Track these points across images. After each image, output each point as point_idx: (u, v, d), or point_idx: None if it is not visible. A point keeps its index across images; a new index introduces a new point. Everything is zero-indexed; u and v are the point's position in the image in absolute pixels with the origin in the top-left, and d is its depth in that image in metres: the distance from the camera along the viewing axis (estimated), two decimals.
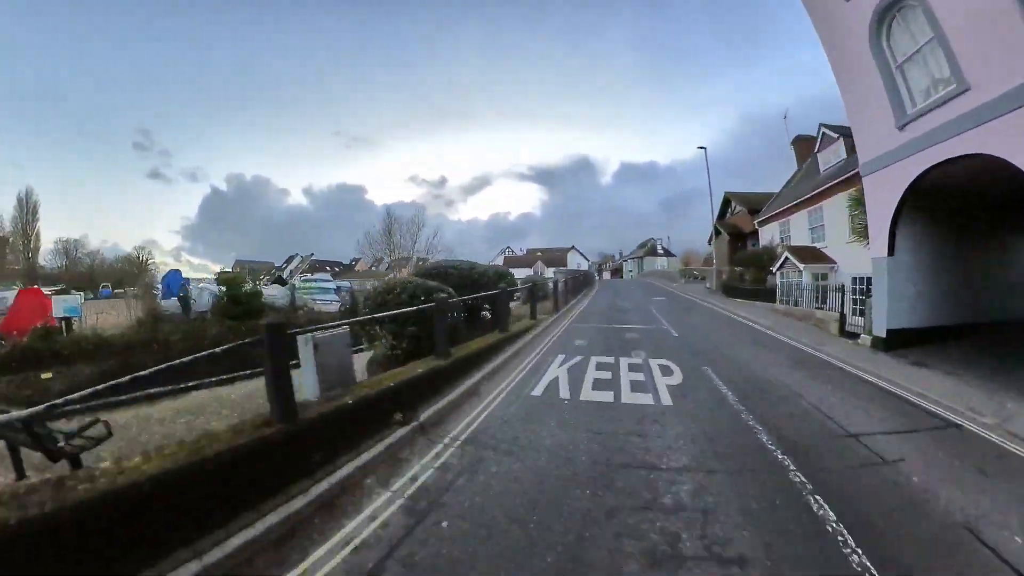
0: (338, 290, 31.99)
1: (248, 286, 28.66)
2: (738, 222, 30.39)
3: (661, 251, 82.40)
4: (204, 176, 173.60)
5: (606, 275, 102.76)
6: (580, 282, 28.23)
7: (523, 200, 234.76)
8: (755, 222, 24.50)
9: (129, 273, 72.95)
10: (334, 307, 27.84)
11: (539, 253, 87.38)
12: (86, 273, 64.34)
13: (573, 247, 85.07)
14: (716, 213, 31.04)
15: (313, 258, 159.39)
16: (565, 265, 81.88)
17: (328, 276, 35.86)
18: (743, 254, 23.07)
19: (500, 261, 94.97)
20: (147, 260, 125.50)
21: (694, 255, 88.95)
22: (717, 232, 32.18)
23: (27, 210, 58.77)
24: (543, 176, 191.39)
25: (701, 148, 27.45)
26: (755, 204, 28.32)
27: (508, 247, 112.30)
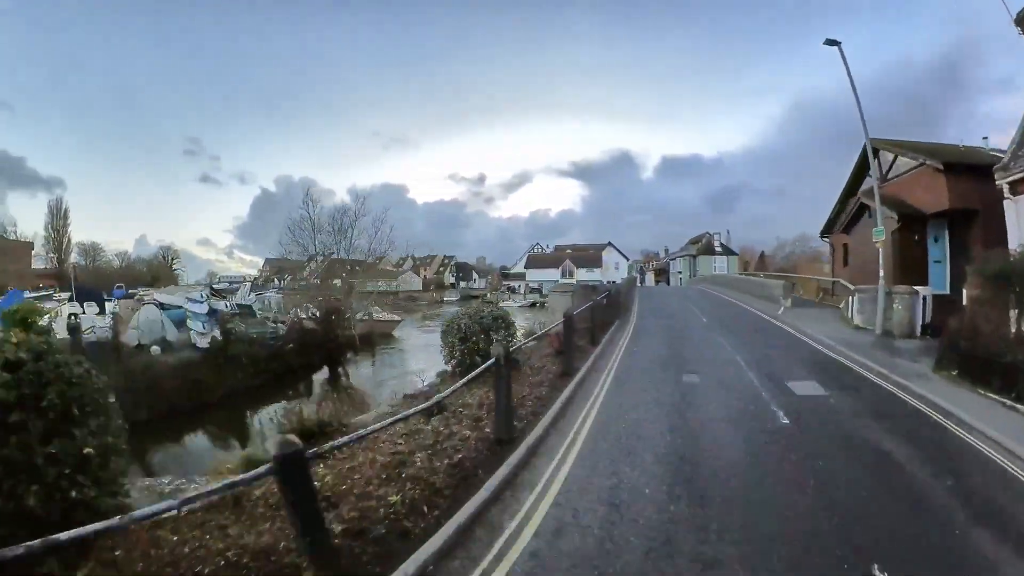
0: (214, 314, 20.27)
1: (46, 319, 17.03)
2: (908, 191, 16.14)
3: (719, 248, 67.12)
4: (252, 178, 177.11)
5: (648, 278, 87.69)
6: (602, 311, 14.78)
7: (563, 197, 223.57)
8: (1001, 182, 10.52)
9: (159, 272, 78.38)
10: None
11: (568, 251, 73.92)
12: (114, 273, 64.79)
13: (609, 243, 71.18)
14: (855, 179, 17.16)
15: (332, 256, 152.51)
16: (599, 265, 68.07)
17: (198, 295, 23.76)
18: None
19: (524, 260, 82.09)
20: (172, 260, 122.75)
21: (749, 253, 72.94)
22: (854, 215, 18.02)
23: (57, 216, 61.09)
24: (582, 172, 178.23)
25: (832, 43, 13.41)
26: (959, 157, 14.23)
27: (537, 244, 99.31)
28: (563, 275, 67.75)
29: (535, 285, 69.91)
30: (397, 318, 36.50)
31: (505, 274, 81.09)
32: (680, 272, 69.78)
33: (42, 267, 63.01)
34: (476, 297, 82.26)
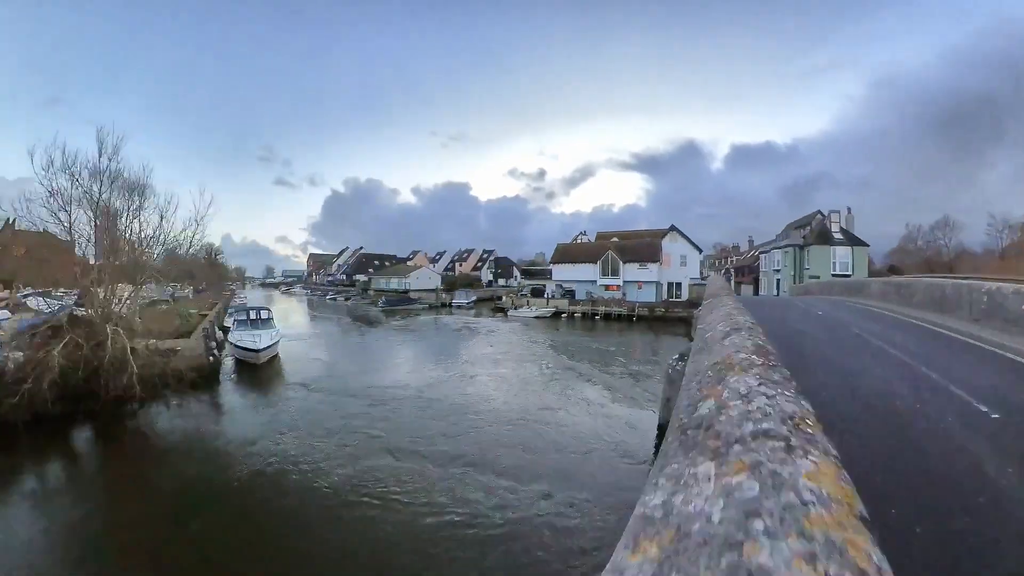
0: None
1: None
2: None
3: (838, 235, 45.11)
4: (322, 180, 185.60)
5: (737, 287, 65.54)
6: None
7: (627, 191, 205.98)
8: None
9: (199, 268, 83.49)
10: None
11: (614, 240, 54.28)
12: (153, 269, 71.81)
13: (672, 228, 50.85)
14: None
15: (362, 251, 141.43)
16: (657, 260, 48.07)
17: None
18: None
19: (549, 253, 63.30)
20: (216, 255, 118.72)
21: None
22: None
23: (106, 216, 61.19)
24: (647, 164, 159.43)
25: None
26: None
27: (583, 232, 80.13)
28: (604, 272, 48.61)
29: (570, 286, 51.45)
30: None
31: (529, 271, 62.85)
32: (778, 271, 48.36)
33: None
34: (499, 298, 64.72)
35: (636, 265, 46.59)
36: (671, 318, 43.46)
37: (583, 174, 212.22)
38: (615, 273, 47.55)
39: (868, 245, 45.85)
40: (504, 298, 58.53)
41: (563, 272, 51.65)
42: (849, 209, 47.85)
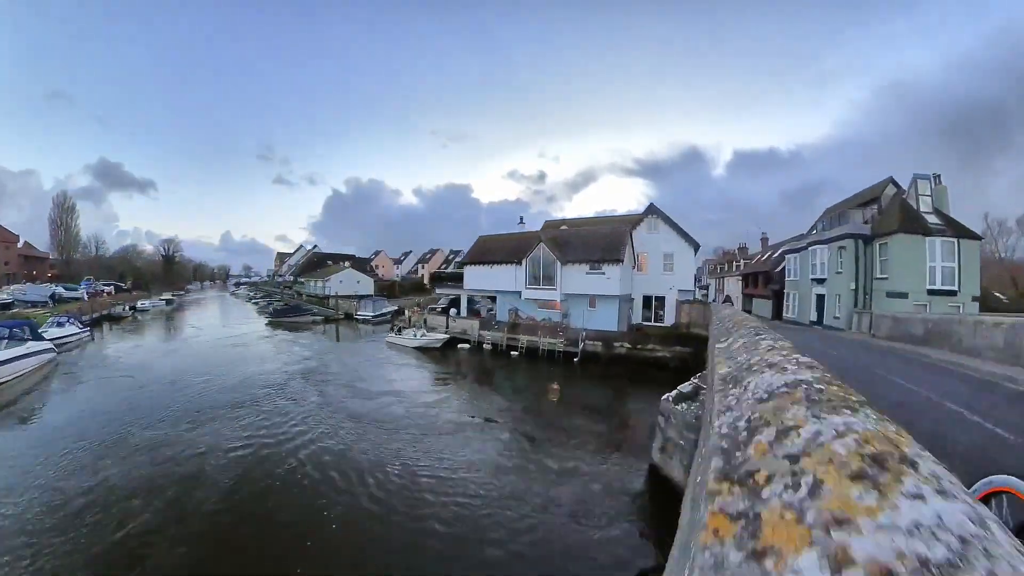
0: None
1: None
2: None
3: (932, 218, 26.06)
4: (322, 180, 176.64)
5: (747, 302, 45.22)
6: None
7: (629, 196, 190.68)
8: None
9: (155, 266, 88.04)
10: None
11: (563, 227, 35.04)
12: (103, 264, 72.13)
13: (652, 209, 31.78)
14: None
15: (315, 250, 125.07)
16: (617, 260, 29.08)
17: None
18: None
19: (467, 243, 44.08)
20: (174, 253, 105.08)
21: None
22: None
23: (63, 209, 62.37)
24: (649, 170, 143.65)
25: None
26: None
27: (522, 220, 61.06)
28: (533, 279, 29.49)
29: (490, 297, 32.55)
30: None
31: (442, 276, 44.28)
32: (822, 280, 29.30)
33: (43, 256, 62.77)
34: (400, 313, 45.32)
35: (586, 268, 27.50)
36: (641, 359, 24.54)
37: (585, 178, 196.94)
38: (549, 281, 28.45)
39: (981, 238, 26.86)
40: (408, 312, 39.87)
41: (477, 277, 32.58)
42: (938, 177, 28.68)
